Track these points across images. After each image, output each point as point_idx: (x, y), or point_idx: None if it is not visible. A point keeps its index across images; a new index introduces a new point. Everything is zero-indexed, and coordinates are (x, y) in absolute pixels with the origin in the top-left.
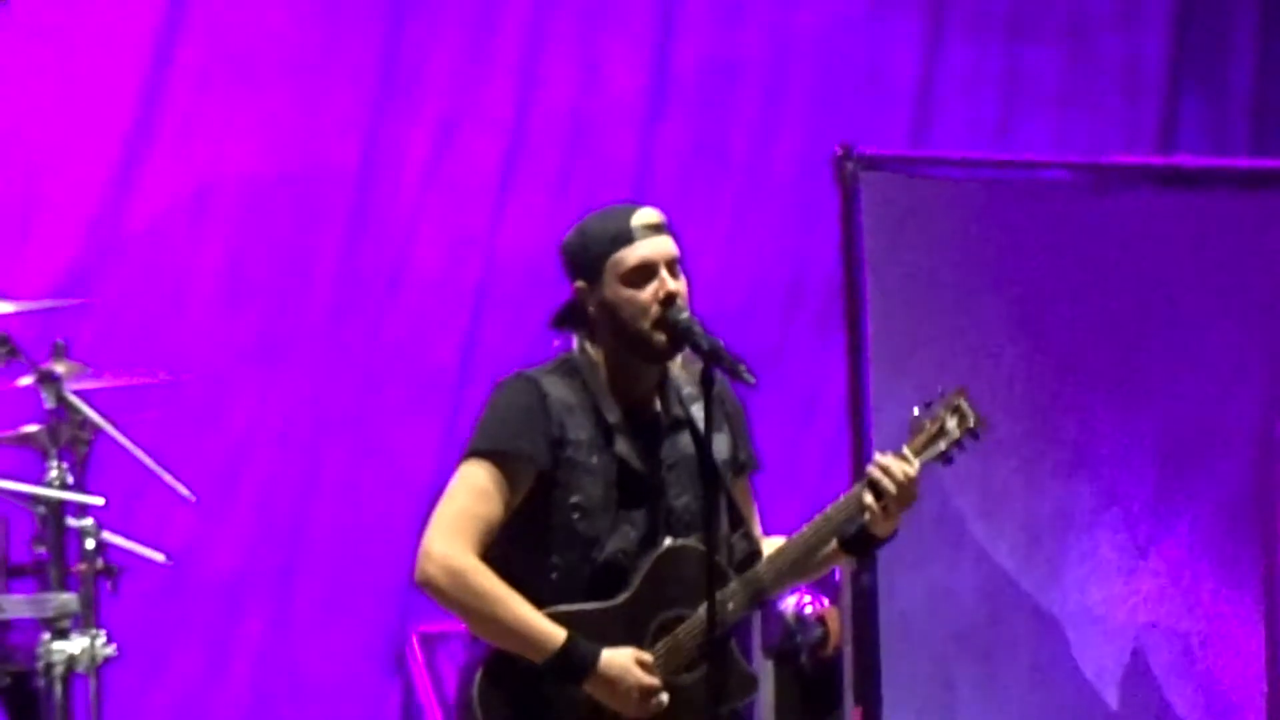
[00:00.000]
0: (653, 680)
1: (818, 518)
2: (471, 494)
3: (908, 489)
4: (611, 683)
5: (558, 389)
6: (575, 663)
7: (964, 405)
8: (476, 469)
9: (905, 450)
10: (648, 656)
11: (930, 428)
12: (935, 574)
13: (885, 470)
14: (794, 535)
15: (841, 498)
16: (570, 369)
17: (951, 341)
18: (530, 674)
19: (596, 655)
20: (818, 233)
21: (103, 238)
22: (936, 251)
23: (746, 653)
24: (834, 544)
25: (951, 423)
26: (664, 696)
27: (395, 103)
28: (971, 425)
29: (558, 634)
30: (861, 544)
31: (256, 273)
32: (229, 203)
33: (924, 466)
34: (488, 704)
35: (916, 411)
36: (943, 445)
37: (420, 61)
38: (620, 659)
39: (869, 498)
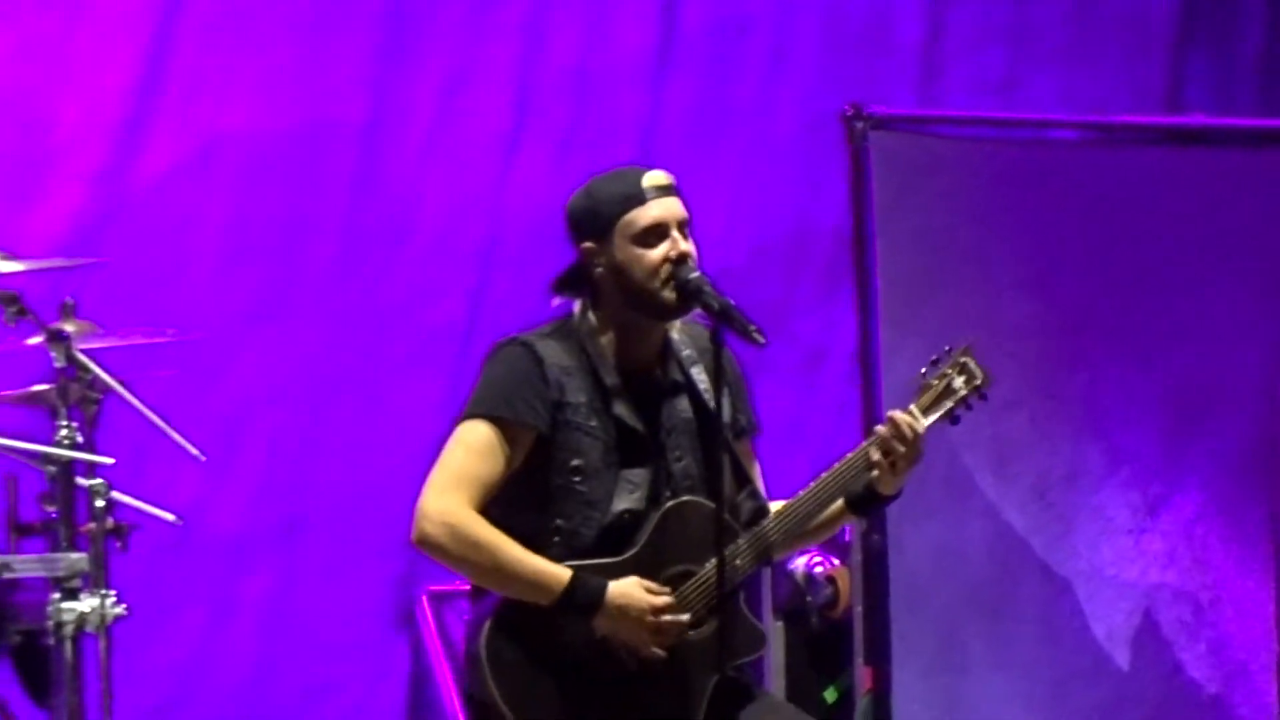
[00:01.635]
0: (664, 599)
1: (825, 474)
2: (468, 453)
3: (915, 447)
4: (622, 609)
5: (553, 353)
6: (583, 597)
7: (971, 363)
8: (474, 429)
9: (912, 408)
10: (653, 584)
11: (937, 386)
12: (945, 533)
13: (894, 427)
14: (801, 492)
15: (849, 455)
16: (566, 332)
17: (960, 299)
18: (537, 624)
19: (603, 587)
20: (824, 190)
21: (110, 196)
22: (944, 210)
23: (756, 611)
24: (841, 505)
25: (958, 381)
26: (683, 616)
27: (401, 59)
28: (979, 383)
29: (563, 572)
30: (868, 502)
31: (263, 230)
32: (235, 160)
33: (932, 426)
34: (495, 656)
35: (923, 370)
36: (950, 404)
37: (426, 17)
38: (626, 586)
39: (876, 455)
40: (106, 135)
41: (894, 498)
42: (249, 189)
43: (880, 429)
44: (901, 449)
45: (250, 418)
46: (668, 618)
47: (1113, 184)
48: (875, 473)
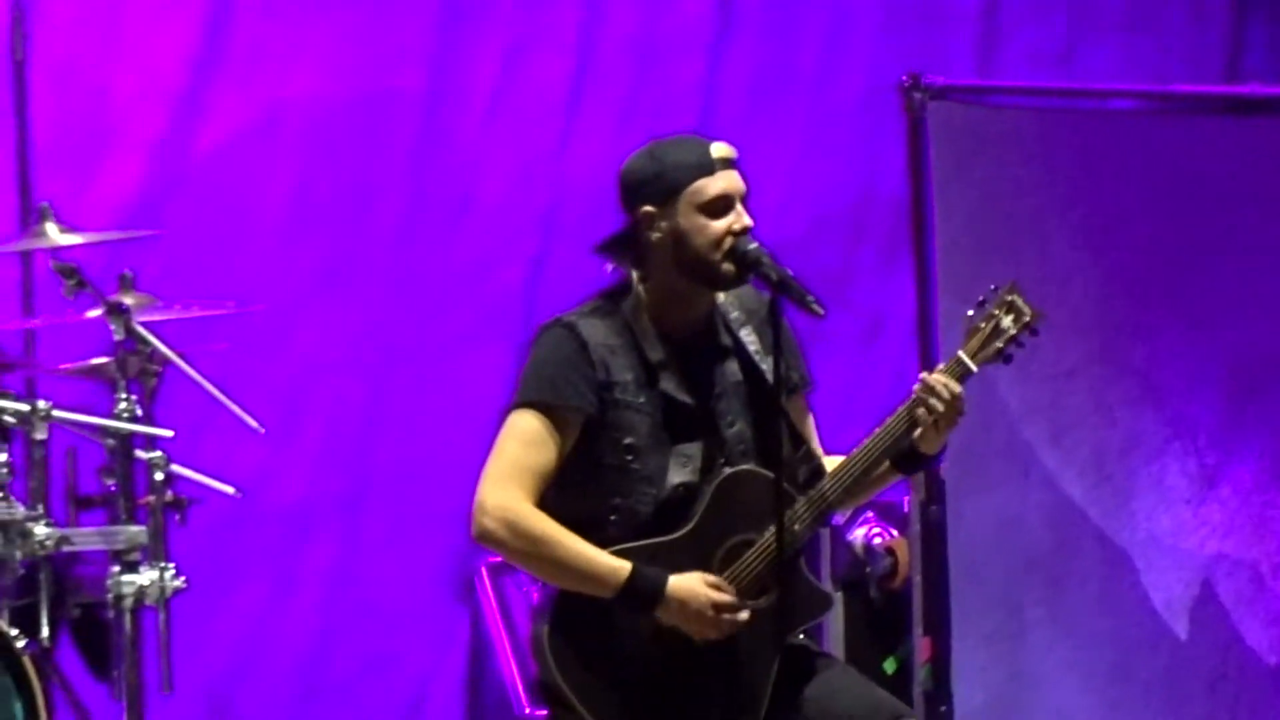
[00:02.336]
0: (725, 596)
1: (873, 434)
2: (521, 444)
3: (954, 404)
4: (683, 604)
5: (597, 332)
6: (644, 591)
7: (1018, 300)
8: (524, 419)
9: (961, 354)
10: (715, 577)
11: (985, 328)
12: (1004, 503)
13: (930, 389)
14: (852, 452)
15: (890, 417)
16: (610, 309)
17: (1018, 268)
18: (598, 614)
19: (664, 581)
20: (884, 160)
21: (170, 168)
22: (1003, 179)
23: (816, 575)
24: (887, 464)
25: (1007, 320)
26: (742, 615)
27: (462, 26)
28: (1028, 319)
29: (623, 566)
30: (911, 461)
31: (323, 200)
32: (295, 130)
33: (983, 367)
34: (557, 647)
35: (970, 313)
36: (999, 344)
37: None
38: (688, 581)
39: (921, 412)
40: (166, 106)
41: (937, 456)
42: (309, 159)
43: (916, 387)
44: (940, 408)
45: (310, 389)
46: (728, 617)
47: (1172, 153)
48: (918, 432)
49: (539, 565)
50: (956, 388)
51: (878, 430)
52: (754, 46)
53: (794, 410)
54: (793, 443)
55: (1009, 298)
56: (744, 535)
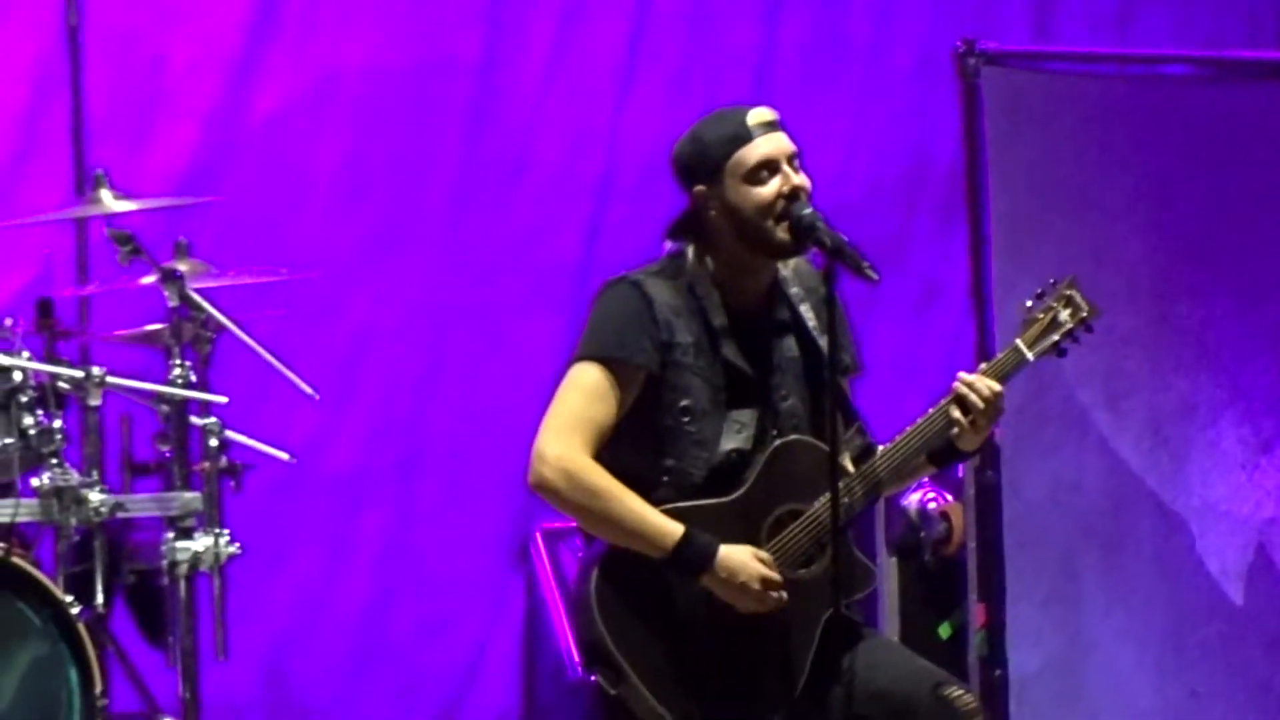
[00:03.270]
0: (772, 573)
1: (909, 429)
2: (583, 396)
3: (994, 404)
4: (731, 574)
5: (662, 292)
6: (693, 556)
7: (1076, 295)
8: (587, 372)
9: (1018, 342)
10: (765, 554)
11: (1043, 319)
12: (1059, 468)
13: (971, 386)
14: (889, 443)
15: (931, 411)
16: (674, 272)
17: (1073, 234)
18: (647, 571)
19: (715, 548)
20: (939, 125)
21: (225, 135)
22: (1058, 145)
23: (869, 548)
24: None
25: (1064, 314)
26: (784, 595)
27: None
28: (1085, 315)
29: (675, 528)
30: (947, 457)
31: (378, 167)
32: (350, 97)
33: (1039, 359)
34: (604, 601)
35: (1028, 304)
36: (1055, 336)
37: None
38: (739, 553)
39: (956, 413)
40: (221, 72)
41: (975, 453)
42: (364, 126)
43: (957, 386)
44: (980, 406)
45: (365, 356)
46: (774, 595)
47: (1227, 119)
48: (955, 430)
49: (593, 518)
50: (997, 387)
51: (914, 426)
52: (809, 12)
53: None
54: (845, 419)
55: (1067, 292)
56: (793, 505)
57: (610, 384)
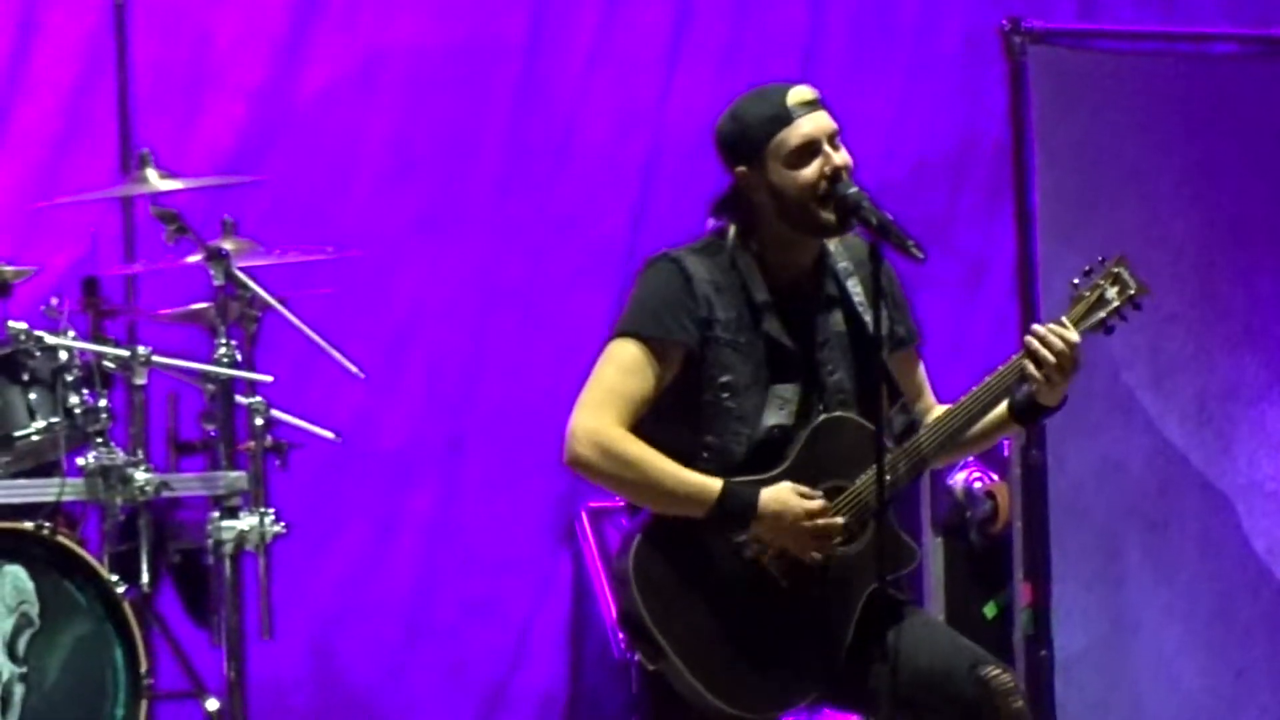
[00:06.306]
0: (817, 503)
1: (977, 387)
2: (618, 371)
3: (1068, 356)
4: (777, 515)
5: (703, 268)
6: (736, 507)
7: (1125, 273)
8: (624, 347)
9: (1065, 319)
10: (805, 487)
11: (1090, 296)
12: (1105, 447)
13: (1042, 339)
14: (954, 405)
15: (1002, 366)
16: (717, 248)
17: (1119, 213)
18: (687, 545)
19: (756, 494)
20: (986, 104)
21: (270, 113)
22: (1104, 124)
23: (915, 527)
24: (1005, 414)
25: (1112, 291)
26: (838, 519)
27: None
28: (1133, 293)
29: (715, 483)
30: (1031, 412)
31: (424, 146)
32: (397, 76)
33: (1085, 336)
34: (643, 575)
35: (1075, 281)
36: (1102, 314)
37: None
38: (778, 492)
39: (1031, 367)
40: (267, 51)
41: (1058, 408)
42: (410, 105)
43: (1028, 340)
44: (1052, 359)
45: (411, 335)
46: (823, 520)
47: (1274, 98)
48: (1033, 385)
49: (630, 487)
50: (1074, 337)
51: (982, 384)
52: None
53: (902, 363)
54: (890, 395)
55: (1115, 269)
56: (836, 481)
57: (646, 359)
